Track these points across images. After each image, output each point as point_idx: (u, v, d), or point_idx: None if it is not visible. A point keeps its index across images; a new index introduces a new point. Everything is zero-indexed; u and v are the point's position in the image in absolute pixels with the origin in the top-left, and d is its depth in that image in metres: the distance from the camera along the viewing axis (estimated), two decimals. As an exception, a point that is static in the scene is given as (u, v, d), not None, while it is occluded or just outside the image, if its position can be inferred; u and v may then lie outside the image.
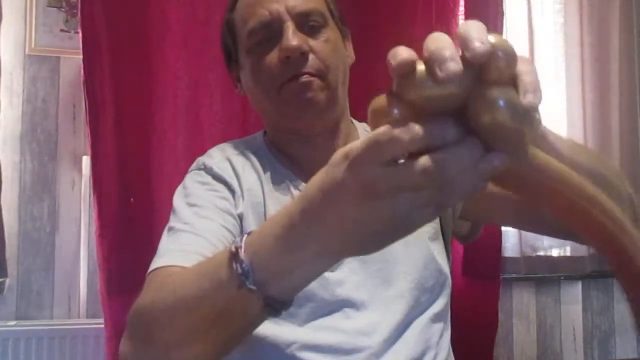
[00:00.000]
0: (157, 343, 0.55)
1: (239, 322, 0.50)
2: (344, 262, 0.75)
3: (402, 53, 0.37)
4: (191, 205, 0.76)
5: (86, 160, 1.54)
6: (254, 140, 0.90)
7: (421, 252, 0.79)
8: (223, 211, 0.76)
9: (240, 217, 0.78)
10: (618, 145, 1.84)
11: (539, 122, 0.37)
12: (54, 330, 1.49)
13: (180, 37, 1.40)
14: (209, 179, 0.80)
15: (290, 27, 0.75)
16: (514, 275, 1.80)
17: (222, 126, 1.41)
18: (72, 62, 1.59)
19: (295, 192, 0.80)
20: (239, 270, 0.46)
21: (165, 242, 0.72)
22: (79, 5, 1.35)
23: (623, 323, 1.95)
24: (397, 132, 0.36)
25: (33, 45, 1.60)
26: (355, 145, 0.39)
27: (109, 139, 1.35)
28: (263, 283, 0.46)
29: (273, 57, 0.76)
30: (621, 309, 1.96)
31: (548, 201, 0.40)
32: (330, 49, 0.78)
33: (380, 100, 0.39)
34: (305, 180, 0.81)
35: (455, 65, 0.34)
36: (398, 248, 0.77)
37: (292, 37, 0.75)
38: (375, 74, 1.51)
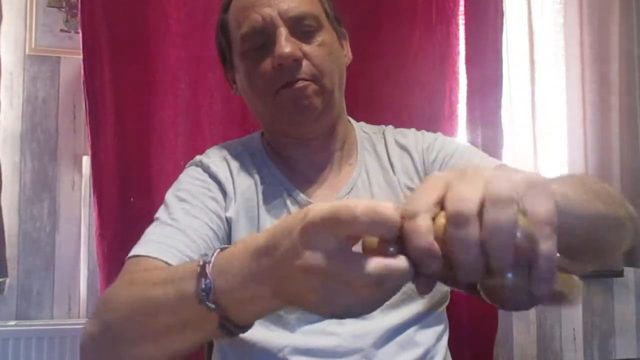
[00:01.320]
0: (113, 333, 0.57)
1: (192, 335, 0.50)
2: None
3: (423, 240, 0.35)
4: (181, 200, 0.77)
5: (86, 160, 1.54)
6: (252, 142, 0.89)
7: None
8: (211, 211, 0.76)
9: (229, 221, 0.78)
10: (618, 145, 1.84)
11: (579, 287, 0.37)
12: (54, 330, 1.49)
13: (180, 37, 1.40)
14: (204, 176, 0.81)
15: (283, 34, 0.74)
16: (514, 275, 1.80)
17: (222, 126, 1.41)
18: (72, 62, 1.59)
19: (293, 208, 0.79)
20: (202, 286, 0.46)
21: (149, 232, 0.73)
22: (79, 5, 1.35)
23: (623, 323, 1.95)
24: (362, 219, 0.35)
25: (33, 45, 1.60)
26: (317, 207, 0.38)
27: (109, 139, 1.35)
28: (222, 304, 0.46)
29: (267, 63, 0.76)
30: (621, 309, 1.96)
31: None
32: (325, 53, 0.77)
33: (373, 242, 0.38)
34: (302, 187, 0.81)
35: (475, 273, 0.35)
36: None
37: (285, 44, 0.74)
38: (374, 73, 1.51)
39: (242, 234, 0.77)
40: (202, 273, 0.47)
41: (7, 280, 1.52)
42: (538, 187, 0.37)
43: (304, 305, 0.41)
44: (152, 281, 0.56)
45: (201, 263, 0.48)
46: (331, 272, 0.37)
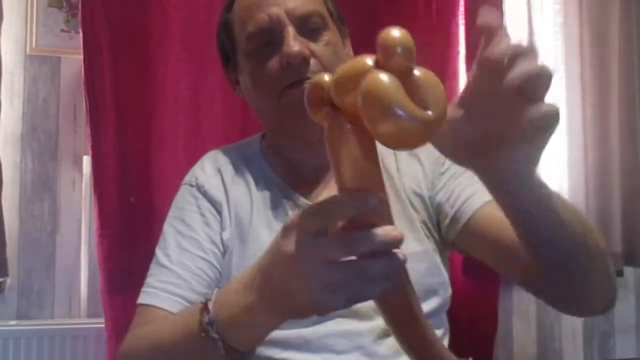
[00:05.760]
0: None
1: None
2: None
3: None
4: (177, 231, 0.80)
5: (87, 160, 1.54)
6: (250, 145, 0.89)
7: (421, 264, 0.77)
8: (203, 241, 0.79)
9: (227, 241, 0.80)
10: (618, 145, 1.84)
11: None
12: (54, 329, 1.49)
13: (180, 37, 1.40)
14: (201, 200, 0.82)
15: (290, 32, 0.74)
16: (514, 275, 1.80)
17: (222, 126, 1.41)
18: (73, 62, 1.59)
19: (292, 210, 0.79)
20: (206, 320, 0.52)
21: (150, 274, 0.79)
22: (80, 6, 1.35)
23: (623, 323, 1.95)
24: (325, 206, 0.42)
25: (34, 45, 1.60)
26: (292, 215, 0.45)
27: (109, 138, 1.35)
28: (224, 333, 0.51)
29: (274, 62, 0.75)
30: (621, 308, 1.96)
31: None
32: (331, 52, 0.77)
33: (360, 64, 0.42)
34: (303, 190, 0.81)
35: None
36: None
37: (294, 43, 0.73)
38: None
39: (235, 243, 0.79)
40: (204, 309, 0.53)
41: (8, 280, 1.53)
42: None
43: (293, 309, 0.46)
44: (160, 330, 0.63)
45: (203, 301, 0.54)
46: (310, 251, 0.42)
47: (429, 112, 0.38)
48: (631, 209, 1.82)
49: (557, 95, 1.88)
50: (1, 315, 1.53)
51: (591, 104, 1.85)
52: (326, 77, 0.45)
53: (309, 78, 0.75)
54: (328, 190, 0.81)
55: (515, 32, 1.86)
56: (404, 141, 0.39)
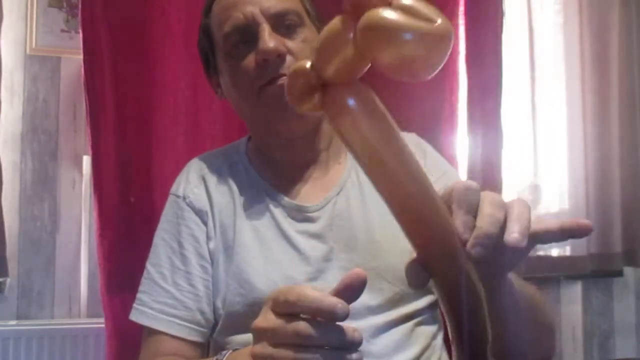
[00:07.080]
0: None
1: None
2: (326, 271, 0.76)
3: None
4: (167, 245, 0.81)
5: (87, 160, 1.54)
6: (236, 149, 0.89)
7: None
8: (194, 256, 0.80)
9: (213, 251, 0.80)
10: (618, 145, 1.84)
11: None
12: (54, 329, 1.49)
13: (180, 37, 1.40)
14: (187, 211, 0.83)
15: (266, 29, 0.74)
16: (514, 275, 1.80)
17: (222, 126, 1.41)
18: (73, 62, 1.60)
19: (277, 210, 0.80)
20: None
21: (145, 293, 0.80)
22: (80, 6, 1.35)
23: (623, 323, 1.96)
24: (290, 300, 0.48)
25: (34, 45, 1.60)
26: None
27: (109, 138, 1.35)
28: None
29: (250, 60, 0.76)
30: (621, 308, 1.96)
31: None
32: (308, 49, 0.77)
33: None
34: (287, 189, 0.81)
35: None
36: (388, 260, 0.77)
37: (269, 40, 0.74)
38: (374, 73, 1.51)
39: (221, 252, 0.80)
40: None
41: (8, 280, 1.53)
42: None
43: None
44: None
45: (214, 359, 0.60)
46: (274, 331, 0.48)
47: (438, 20, 0.36)
48: (631, 209, 1.82)
49: (557, 95, 1.89)
50: (1, 315, 1.53)
51: (591, 104, 1.85)
52: (307, 64, 0.44)
53: (285, 75, 0.74)
54: (312, 188, 0.82)
55: (516, 32, 1.86)
56: (413, 64, 0.36)
